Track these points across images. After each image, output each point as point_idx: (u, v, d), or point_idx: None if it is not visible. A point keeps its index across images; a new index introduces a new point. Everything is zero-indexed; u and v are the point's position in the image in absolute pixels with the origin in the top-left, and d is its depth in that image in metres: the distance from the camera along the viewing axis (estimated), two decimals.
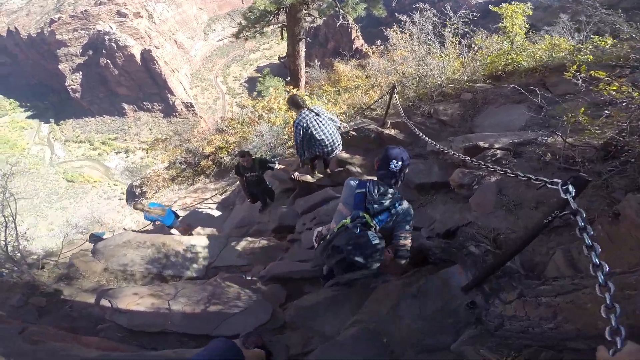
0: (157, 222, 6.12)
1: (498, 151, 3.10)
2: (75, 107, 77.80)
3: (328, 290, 3.05)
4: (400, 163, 1.94)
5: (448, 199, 3.14)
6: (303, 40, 11.46)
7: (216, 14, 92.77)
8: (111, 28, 71.57)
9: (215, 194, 9.28)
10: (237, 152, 5.08)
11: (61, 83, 76.25)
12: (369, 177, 2.51)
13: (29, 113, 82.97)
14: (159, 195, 13.01)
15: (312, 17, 10.92)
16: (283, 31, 11.64)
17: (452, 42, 5.65)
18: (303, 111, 3.80)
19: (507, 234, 2.49)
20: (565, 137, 2.62)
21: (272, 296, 3.67)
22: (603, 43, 4.37)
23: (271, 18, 11.20)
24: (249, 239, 4.80)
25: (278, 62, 14.03)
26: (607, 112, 2.65)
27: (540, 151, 2.80)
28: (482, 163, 2.13)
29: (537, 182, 1.46)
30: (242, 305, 3.21)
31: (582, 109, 2.59)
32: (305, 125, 3.76)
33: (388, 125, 5.21)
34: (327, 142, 3.87)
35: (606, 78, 2.64)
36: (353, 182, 2.16)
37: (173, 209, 7.36)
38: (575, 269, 1.99)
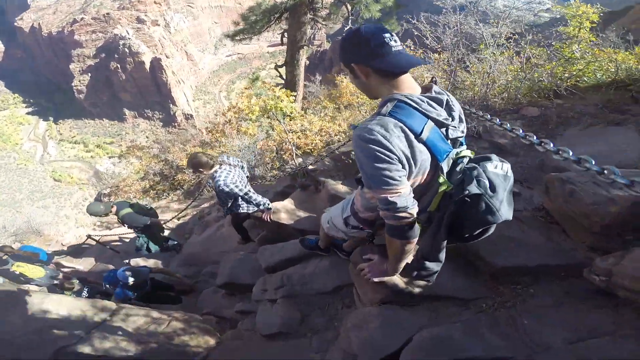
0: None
1: None
2: (76, 108, 77.46)
3: None
4: (394, 36, 1.01)
5: (568, 296, 1.30)
6: (304, 48, 10.05)
7: (229, 29, 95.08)
8: (127, 33, 72.53)
9: (172, 218, 7.31)
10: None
11: (68, 83, 76.50)
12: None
13: (30, 109, 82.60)
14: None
15: (317, 24, 9.57)
16: (284, 37, 10.30)
17: (506, 43, 4.04)
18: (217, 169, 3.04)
19: None
20: None
21: None
22: None
23: (272, 21, 9.89)
24: (155, 314, 2.81)
25: (279, 77, 12.62)
26: None
27: None
28: None
29: None
30: None
31: None
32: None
33: None
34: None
35: None
36: (380, 128, 0.97)
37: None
38: None
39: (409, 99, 1.01)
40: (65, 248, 7.05)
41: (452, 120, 1.07)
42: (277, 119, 6.04)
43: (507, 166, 1.11)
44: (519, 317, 1.25)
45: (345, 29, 8.53)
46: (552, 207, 1.73)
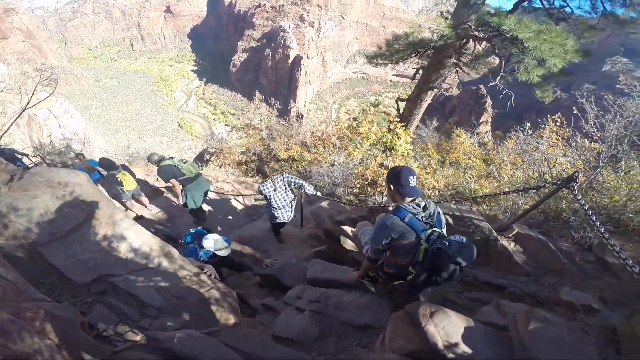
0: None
1: None
2: (225, 78, 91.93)
3: None
4: (415, 177, 1.98)
5: None
6: (434, 90, 9.64)
7: (365, 48, 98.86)
8: (289, 27, 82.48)
9: (251, 195, 7.85)
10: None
11: (231, 55, 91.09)
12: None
13: (195, 68, 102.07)
14: (218, 170, 12.30)
15: (457, 69, 9.02)
16: (417, 73, 10.07)
17: None
18: (267, 181, 4.30)
19: None
20: None
21: None
22: None
23: (413, 55, 9.74)
24: (203, 277, 2.91)
25: (396, 110, 12.42)
26: None
27: None
28: None
29: None
30: None
31: None
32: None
33: (511, 234, 2.91)
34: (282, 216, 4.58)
35: None
36: (393, 219, 1.98)
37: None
38: None
39: (403, 206, 1.96)
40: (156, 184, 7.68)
41: (424, 212, 1.94)
42: (385, 153, 5.87)
43: (464, 238, 1.82)
44: None
45: (491, 83, 7.77)
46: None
